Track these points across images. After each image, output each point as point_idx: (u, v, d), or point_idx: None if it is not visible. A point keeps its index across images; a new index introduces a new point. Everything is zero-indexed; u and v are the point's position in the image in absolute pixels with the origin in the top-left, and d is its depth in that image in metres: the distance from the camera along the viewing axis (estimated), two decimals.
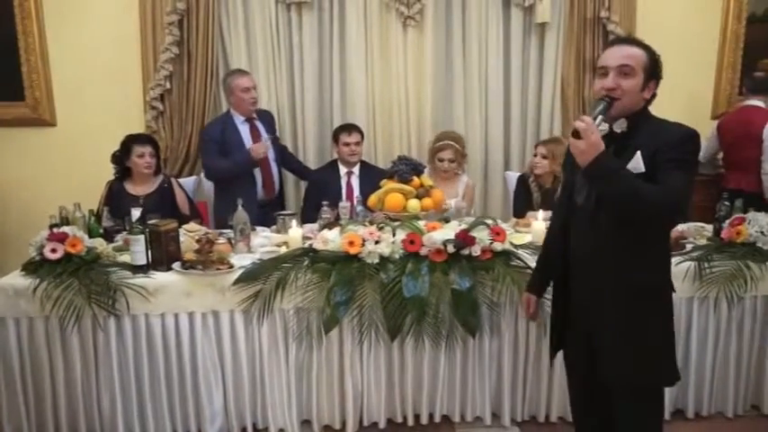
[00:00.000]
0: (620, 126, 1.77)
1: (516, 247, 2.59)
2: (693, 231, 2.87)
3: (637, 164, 1.70)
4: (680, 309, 2.54)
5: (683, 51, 4.18)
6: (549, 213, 3.06)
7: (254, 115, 3.56)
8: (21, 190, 4.13)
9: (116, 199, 3.25)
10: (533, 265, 2.44)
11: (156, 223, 2.45)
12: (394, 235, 2.46)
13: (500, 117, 4.16)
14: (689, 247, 2.69)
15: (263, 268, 2.42)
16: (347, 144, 3.57)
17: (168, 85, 3.94)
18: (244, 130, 3.52)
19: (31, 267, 2.41)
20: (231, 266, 2.42)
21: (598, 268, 1.79)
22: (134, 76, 4.00)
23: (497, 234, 2.47)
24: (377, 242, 2.41)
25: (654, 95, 1.83)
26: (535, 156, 3.41)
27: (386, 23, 4.02)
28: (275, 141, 3.66)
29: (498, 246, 2.45)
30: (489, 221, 2.56)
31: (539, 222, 2.72)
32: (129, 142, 3.25)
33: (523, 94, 4.17)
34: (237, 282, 2.38)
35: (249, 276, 2.39)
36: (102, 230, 2.85)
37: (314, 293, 2.39)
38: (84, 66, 4.02)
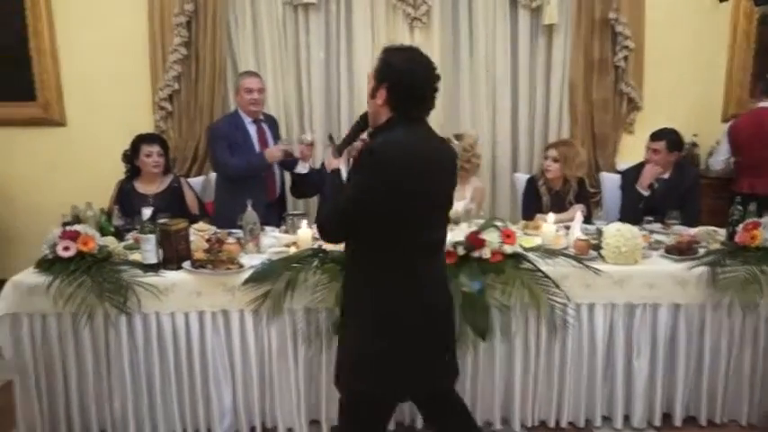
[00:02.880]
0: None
1: (526, 249, 2.58)
2: (706, 235, 2.85)
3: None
4: (692, 315, 2.53)
5: (693, 53, 4.18)
6: (560, 216, 3.09)
7: (261, 117, 3.57)
8: (31, 189, 4.16)
9: (126, 198, 3.26)
10: (544, 267, 2.46)
11: (167, 222, 2.46)
12: None
13: (507, 119, 4.15)
14: (701, 251, 2.67)
15: (272, 268, 2.42)
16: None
17: (177, 86, 3.96)
18: (251, 130, 3.52)
19: (45, 265, 2.42)
20: (241, 266, 2.42)
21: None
22: (143, 76, 4.02)
23: (508, 236, 2.47)
24: None
25: (401, 104, 1.73)
26: (546, 158, 3.40)
27: (392, 25, 4.03)
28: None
29: (509, 248, 2.44)
30: (500, 224, 2.55)
31: (548, 225, 2.72)
32: (138, 141, 3.27)
33: (531, 95, 4.16)
34: (247, 282, 2.38)
35: (259, 276, 2.39)
36: (113, 229, 2.85)
37: (323, 294, 2.38)
38: (94, 66, 4.05)
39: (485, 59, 4.09)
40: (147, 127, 3.90)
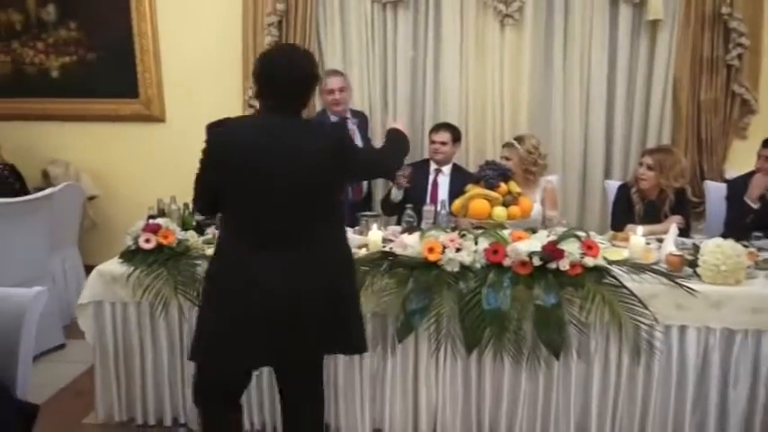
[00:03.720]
0: None
1: (611, 263, 2.39)
2: None
3: None
4: None
5: None
6: (653, 228, 2.85)
7: (348, 115, 3.57)
8: (132, 181, 4.41)
9: None
10: (629, 284, 2.27)
11: None
12: (476, 243, 2.34)
13: (602, 121, 3.90)
14: None
15: None
16: (433, 142, 3.54)
17: None
18: None
19: (127, 255, 2.53)
20: None
21: None
22: (236, 75, 4.14)
23: (589, 248, 2.29)
24: (458, 250, 2.31)
25: (261, 95, 1.93)
26: (640, 165, 3.16)
27: (482, 22, 3.90)
28: (368, 142, 3.67)
29: (590, 261, 2.27)
30: (581, 234, 2.38)
31: (637, 238, 2.49)
32: None
33: (629, 97, 3.88)
34: None
35: None
36: (195, 223, 2.94)
37: (390, 299, 2.33)
38: (192, 65, 4.23)
39: (579, 58, 3.86)
40: None
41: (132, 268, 2.45)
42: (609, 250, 2.62)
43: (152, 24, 4.21)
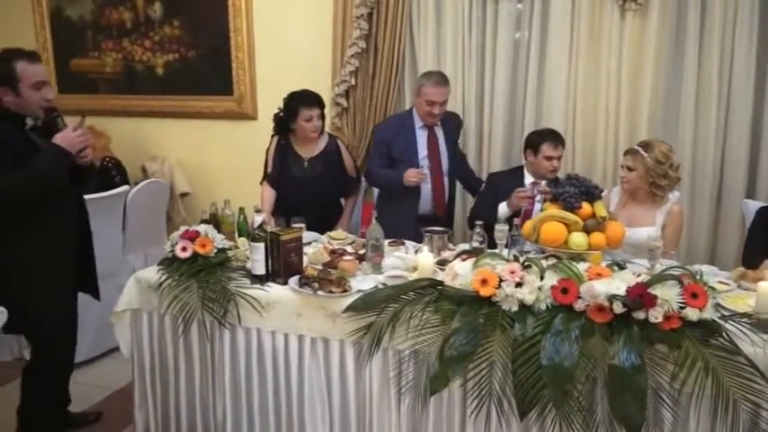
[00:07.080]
0: None
1: (725, 316, 1.82)
2: None
3: None
4: None
5: None
6: None
7: (438, 123, 3.21)
8: (223, 178, 4.39)
9: (283, 156, 3.23)
10: (748, 348, 1.70)
11: (277, 231, 2.24)
12: (542, 278, 1.89)
13: (746, 127, 3.18)
14: None
15: (380, 297, 2.05)
16: (550, 158, 2.91)
17: (353, 81, 3.80)
18: (421, 135, 3.18)
19: (165, 262, 2.39)
20: (345, 291, 2.10)
21: None
22: (325, 72, 3.95)
23: (694, 296, 1.74)
24: (518, 284, 1.87)
25: None
26: None
27: (599, 9, 3.34)
28: (454, 150, 3.30)
29: (692, 313, 1.72)
30: (686, 273, 1.83)
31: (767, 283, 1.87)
32: (297, 105, 3.12)
33: None
34: (349, 309, 2.05)
35: (363, 305, 2.04)
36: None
37: (433, 337, 1.94)
38: (284, 62, 4.10)
39: (719, 51, 3.18)
40: (325, 123, 3.84)
41: (165, 277, 2.30)
42: (731, 295, 2.05)
43: (247, 20, 4.13)
